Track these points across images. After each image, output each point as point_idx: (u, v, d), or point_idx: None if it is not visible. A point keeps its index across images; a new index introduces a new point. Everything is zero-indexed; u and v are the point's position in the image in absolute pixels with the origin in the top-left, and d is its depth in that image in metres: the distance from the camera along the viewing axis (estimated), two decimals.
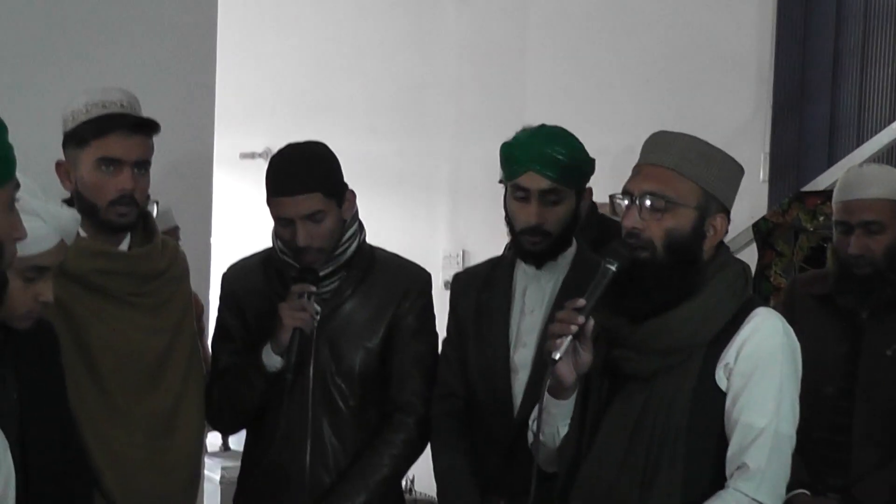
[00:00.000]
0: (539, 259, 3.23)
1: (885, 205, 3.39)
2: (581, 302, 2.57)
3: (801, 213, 4.43)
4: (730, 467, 2.60)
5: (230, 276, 3.54)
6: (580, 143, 3.25)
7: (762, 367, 2.60)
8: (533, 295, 3.26)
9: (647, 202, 2.62)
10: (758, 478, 2.56)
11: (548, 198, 3.16)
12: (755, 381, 2.59)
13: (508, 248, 4.00)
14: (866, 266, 3.38)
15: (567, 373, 2.64)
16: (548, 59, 7.44)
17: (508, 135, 3.36)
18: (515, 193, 3.19)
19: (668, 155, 2.66)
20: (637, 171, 2.69)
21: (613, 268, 2.59)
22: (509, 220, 3.26)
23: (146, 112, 3.20)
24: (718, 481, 2.62)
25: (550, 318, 3.09)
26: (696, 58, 6.87)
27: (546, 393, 2.67)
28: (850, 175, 3.47)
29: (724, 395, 2.63)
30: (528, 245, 3.20)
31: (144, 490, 3.18)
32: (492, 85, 7.54)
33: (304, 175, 3.23)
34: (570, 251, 3.29)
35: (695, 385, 2.61)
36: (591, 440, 2.69)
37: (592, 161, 3.29)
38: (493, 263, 3.43)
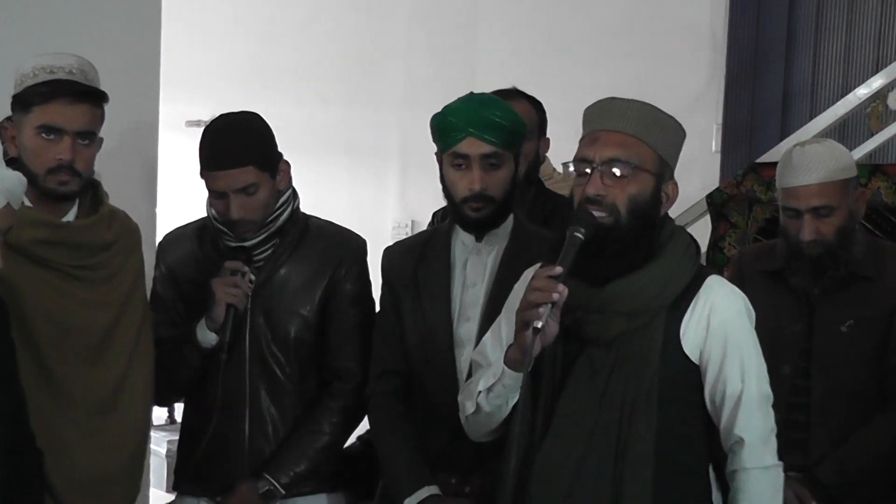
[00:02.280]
0: (482, 227, 3.19)
1: (831, 187, 3.35)
2: (558, 269, 2.54)
3: (755, 184, 4.44)
4: (728, 440, 2.71)
5: (165, 246, 3.52)
6: (513, 110, 3.22)
7: (734, 338, 2.69)
8: (474, 268, 3.23)
9: (614, 169, 2.63)
10: (758, 445, 2.68)
11: (489, 161, 3.11)
12: (731, 352, 2.68)
13: (436, 220, 3.99)
14: (818, 248, 3.38)
15: (527, 341, 2.60)
16: (500, 25, 7.42)
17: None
18: (454, 161, 3.14)
19: (625, 121, 2.66)
20: (594, 137, 2.67)
21: (581, 235, 2.58)
22: (447, 192, 3.22)
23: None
24: (687, 450, 2.70)
25: (494, 291, 3.12)
26: (651, 26, 6.87)
27: (503, 366, 2.66)
28: (792, 158, 3.40)
29: (694, 366, 2.69)
30: (470, 212, 3.15)
31: (85, 468, 3.12)
32: (442, 52, 7.51)
33: (236, 149, 3.20)
34: (508, 223, 3.26)
35: (661, 350, 2.65)
36: (550, 411, 2.67)
37: (526, 125, 3.28)
38: (425, 236, 3.39)
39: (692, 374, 2.70)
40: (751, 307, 2.76)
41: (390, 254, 3.39)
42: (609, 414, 2.64)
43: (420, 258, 3.29)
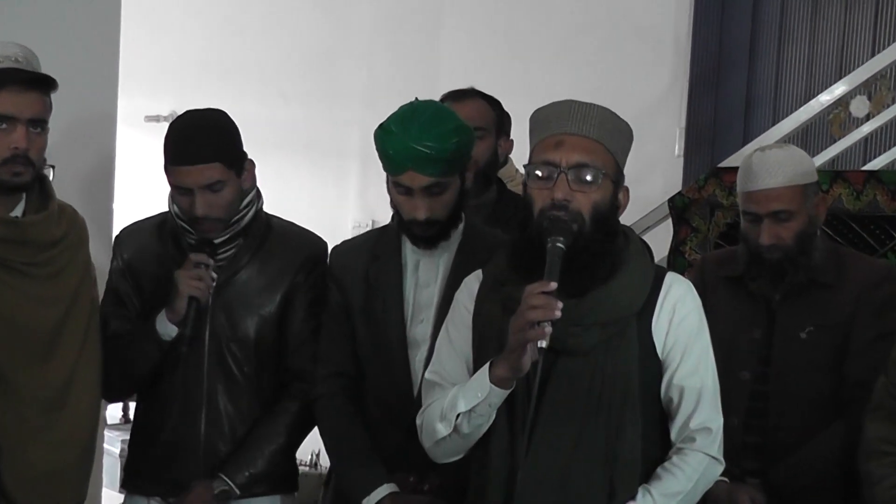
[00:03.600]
0: (431, 243, 3.19)
1: (791, 192, 3.35)
2: (553, 285, 2.50)
3: (717, 189, 4.44)
4: (682, 431, 2.72)
5: (123, 240, 3.49)
6: (453, 122, 3.15)
7: (694, 334, 2.73)
8: (426, 269, 3.21)
9: (583, 175, 2.61)
10: (712, 436, 2.72)
11: (432, 190, 3.10)
12: (691, 347, 2.72)
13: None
14: (777, 252, 3.39)
15: (527, 362, 2.58)
16: (463, 25, 7.42)
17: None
18: (398, 188, 3.14)
19: (589, 125, 2.64)
20: (558, 140, 2.64)
21: (562, 245, 2.56)
22: (396, 209, 3.21)
23: (47, 70, 3.11)
24: (660, 445, 2.74)
25: (448, 292, 3.09)
26: (614, 29, 6.89)
27: (490, 384, 2.61)
28: (753, 162, 3.40)
29: (660, 362, 2.71)
30: (419, 232, 3.15)
31: (35, 465, 3.10)
32: (405, 51, 7.50)
33: (204, 145, 3.19)
34: (460, 222, 3.26)
35: (638, 354, 2.67)
36: (532, 424, 2.63)
37: (471, 133, 3.22)
38: (374, 235, 3.38)
39: (660, 370, 2.72)
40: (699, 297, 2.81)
41: (339, 253, 3.36)
42: (595, 425, 2.63)
43: (371, 258, 3.27)
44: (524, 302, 2.51)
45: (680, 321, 2.71)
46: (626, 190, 2.73)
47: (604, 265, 2.65)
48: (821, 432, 3.32)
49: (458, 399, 2.66)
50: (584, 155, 2.62)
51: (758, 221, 3.38)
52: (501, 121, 4.17)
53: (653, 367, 2.71)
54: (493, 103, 4.14)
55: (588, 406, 2.64)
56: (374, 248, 3.28)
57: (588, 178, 2.61)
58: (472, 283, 2.86)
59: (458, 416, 2.66)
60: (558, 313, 2.48)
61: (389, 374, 3.19)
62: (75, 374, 3.21)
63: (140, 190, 7.06)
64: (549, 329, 2.48)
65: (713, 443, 2.72)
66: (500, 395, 2.62)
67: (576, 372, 2.65)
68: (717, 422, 2.73)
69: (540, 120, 2.72)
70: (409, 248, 3.23)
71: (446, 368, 2.80)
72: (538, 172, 2.65)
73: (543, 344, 2.48)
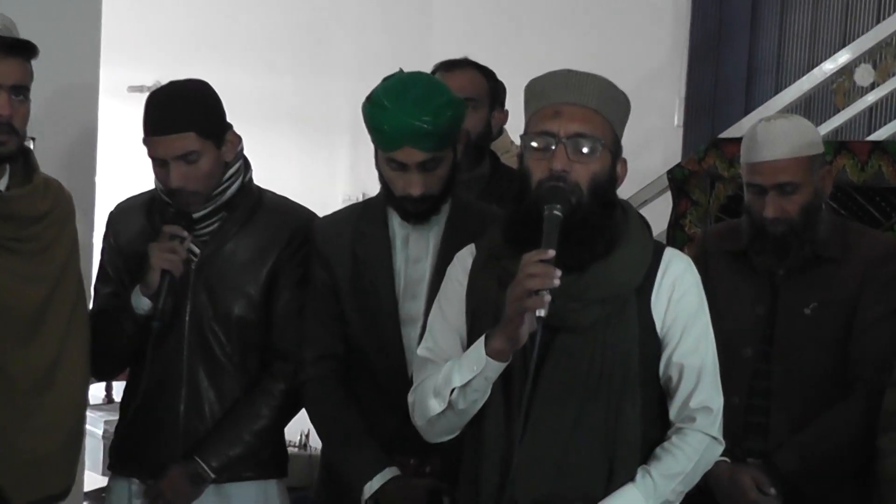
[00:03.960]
0: (424, 219, 3.18)
1: (797, 163, 3.34)
2: (551, 252, 2.49)
3: (718, 160, 4.43)
4: (682, 411, 2.72)
5: (115, 218, 3.51)
6: (447, 95, 3.14)
7: (694, 311, 2.74)
8: (416, 243, 3.20)
9: (581, 145, 2.60)
10: (713, 415, 2.73)
11: (427, 165, 3.09)
12: (691, 324, 2.73)
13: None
14: (782, 226, 3.38)
15: (525, 332, 2.56)
16: None
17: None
18: (390, 164, 3.12)
19: (587, 95, 2.64)
20: (556, 110, 2.63)
21: (559, 212, 2.54)
22: (385, 183, 3.19)
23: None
24: (659, 425, 2.74)
25: (439, 266, 3.08)
26: None
27: (486, 356, 2.59)
28: (757, 133, 3.38)
29: (658, 339, 2.71)
30: (411, 208, 3.14)
31: (23, 450, 3.08)
32: (396, 20, 7.48)
33: (176, 114, 3.19)
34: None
35: (638, 332, 2.67)
36: (528, 402, 2.61)
37: (463, 105, 3.22)
38: (357, 210, 3.35)
39: (659, 347, 2.73)
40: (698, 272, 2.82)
41: (322, 228, 3.33)
42: (595, 403, 2.63)
43: (355, 232, 3.25)
44: (521, 270, 2.50)
45: (679, 298, 2.72)
46: (624, 161, 2.72)
47: (602, 238, 2.64)
48: (825, 412, 3.31)
49: (452, 373, 2.64)
50: (582, 125, 2.61)
51: (762, 194, 3.37)
52: (495, 92, 4.16)
53: (652, 344, 2.71)
54: (487, 73, 4.12)
55: (587, 384, 2.63)
56: (359, 224, 3.26)
57: (586, 148, 2.60)
58: (465, 256, 2.85)
59: (452, 391, 2.63)
60: (557, 281, 2.47)
61: (382, 354, 3.18)
62: (62, 354, 3.19)
63: (124, 163, 7.04)
64: (548, 298, 2.47)
65: (713, 422, 2.73)
66: (497, 368, 2.60)
67: (575, 349, 2.64)
68: (717, 401, 2.74)
69: (536, 90, 2.71)
70: (396, 223, 3.21)
71: (439, 344, 2.79)
72: (535, 143, 2.64)
73: (542, 313, 2.47)
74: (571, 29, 6.86)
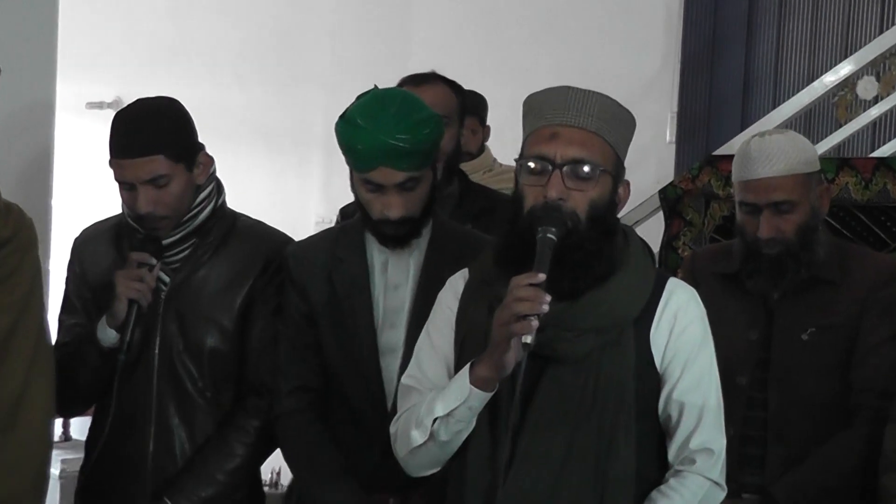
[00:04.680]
0: (404, 243, 3.19)
1: (793, 181, 3.36)
2: (541, 276, 2.50)
3: (713, 178, 4.45)
4: (682, 451, 2.70)
5: (80, 244, 3.49)
6: (424, 112, 3.15)
7: (697, 345, 2.72)
8: (396, 269, 3.21)
9: (577, 171, 2.60)
10: (714, 458, 2.70)
11: (406, 186, 3.09)
12: (693, 360, 2.71)
13: (346, 213, 3.96)
14: (777, 247, 3.39)
15: (511, 359, 2.57)
16: (436, 1, 7.42)
17: (392, 85, 3.32)
18: (367, 186, 3.12)
19: (585, 116, 2.64)
20: (553, 132, 2.64)
21: (553, 236, 2.55)
22: (361, 206, 3.20)
23: None
24: (658, 464, 2.72)
25: (420, 293, 3.11)
26: (600, 5, 6.90)
27: (470, 385, 2.59)
28: (751, 149, 3.40)
29: (656, 373, 2.70)
30: (390, 232, 3.15)
31: None
32: (372, 30, 7.50)
33: (145, 136, 3.19)
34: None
35: (634, 363, 2.66)
36: (514, 436, 2.62)
37: (441, 122, 3.22)
38: (333, 234, 3.36)
39: (658, 383, 2.71)
40: (703, 307, 2.79)
41: (297, 254, 3.32)
42: (585, 438, 2.62)
43: (333, 259, 3.26)
44: (509, 294, 2.51)
45: (682, 331, 2.70)
46: (627, 184, 2.72)
47: (599, 266, 2.64)
48: (825, 443, 3.33)
49: (435, 403, 2.63)
50: (580, 149, 2.61)
51: (756, 213, 3.39)
52: (465, 108, 4.17)
53: (649, 379, 2.69)
54: (456, 89, 4.14)
55: (578, 418, 2.62)
56: (336, 249, 3.27)
57: (584, 174, 2.60)
58: (457, 281, 2.85)
59: (434, 420, 2.63)
60: (545, 307, 2.47)
61: (361, 386, 3.19)
62: (26, 390, 3.16)
63: (83, 184, 7.04)
64: (535, 323, 2.47)
65: (715, 465, 2.70)
66: (482, 397, 2.60)
67: (566, 381, 2.64)
68: (719, 442, 2.71)
69: (534, 107, 2.71)
70: (374, 248, 3.22)
71: (425, 372, 2.78)
72: (530, 165, 2.64)
73: (529, 339, 2.47)
74: (557, 39, 6.89)
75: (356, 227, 3.27)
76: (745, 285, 3.46)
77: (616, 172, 2.67)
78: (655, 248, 4.49)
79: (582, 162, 2.60)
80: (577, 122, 2.63)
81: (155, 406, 3.32)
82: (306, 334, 3.26)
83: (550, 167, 2.61)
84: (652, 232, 4.88)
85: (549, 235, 2.55)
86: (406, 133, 3.05)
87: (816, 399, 3.37)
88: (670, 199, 4.57)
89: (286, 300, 3.31)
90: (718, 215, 4.41)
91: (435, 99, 3.92)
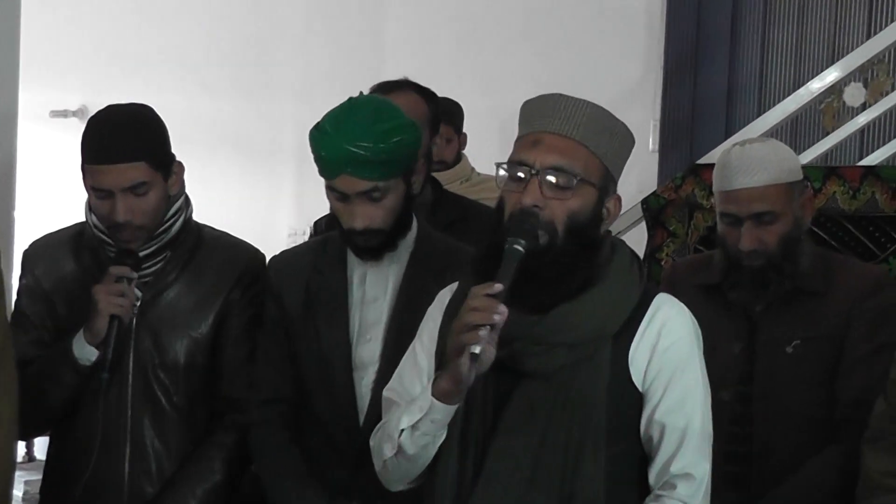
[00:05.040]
0: (375, 255, 3.20)
1: (775, 191, 3.37)
2: (498, 287, 2.50)
3: (696, 188, 4.46)
4: (662, 475, 2.67)
5: (33, 256, 3.47)
6: (395, 120, 3.17)
7: (682, 364, 2.68)
8: (374, 281, 3.23)
9: (555, 178, 2.59)
10: (696, 484, 2.66)
11: (371, 195, 3.11)
12: (677, 379, 2.67)
13: (319, 230, 3.98)
14: (759, 258, 3.40)
15: (467, 369, 2.54)
16: (410, 8, 7.43)
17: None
18: (333, 194, 3.15)
19: (572, 124, 2.63)
20: (536, 139, 2.64)
21: (521, 247, 2.55)
22: (334, 215, 3.22)
23: None
24: (633, 487, 2.70)
25: (398, 307, 3.14)
26: (580, 11, 6.92)
27: (432, 397, 2.60)
28: (731, 158, 3.41)
29: (639, 393, 2.68)
30: (360, 243, 3.17)
31: None
32: (345, 37, 7.50)
33: (128, 141, 3.19)
34: (411, 230, 3.27)
35: (609, 381, 2.64)
36: (482, 452, 2.65)
37: (417, 131, 3.24)
38: (317, 244, 3.39)
39: (639, 403, 2.69)
40: (699, 330, 2.76)
41: (277, 265, 3.38)
42: (552, 456, 2.62)
43: (312, 270, 3.28)
44: (465, 304, 2.53)
45: (665, 348, 2.67)
46: (618, 199, 2.71)
47: (572, 280, 2.63)
48: (811, 459, 3.34)
49: (402, 415, 2.65)
50: (560, 157, 2.60)
51: (737, 224, 3.40)
52: (437, 116, 4.18)
53: (626, 398, 2.67)
54: (427, 96, 4.15)
55: (546, 436, 2.63)
56: (317, 260, 3.29)
57: (563, 183, 2.60)
58: (445, 295, 2.85)
59: (401, 432, 2.65)
60: (497, 317, 2.47)
61: (332, 401, 3.20)
62: None
63: (46, 194, 7.02)
64: (482, 333, 2.47)
65: (696, 492, 2.66)
66: (444, 410, 2.60)
67: (536, 396, 2.63)
68: (702, 468, 2.68)
69: (525, 114, 2.72)
70: (355, 260, 3.24)
71: (405, 385, 2.79)
72: (510, 172, 2.65)
73: (476, 350, 2.47)
74: (536, 45, 6.90)
75: (340, 237, 3.28)
76: (726, 297, 3.47)
77: (602, 185, 2.65)
78: None
79: (560, 170, 2.59)
80: (563, 129, 2.63)
81: (130, 424, 3.33)
82: (281, 345, 3.28)
83: (529, 174, 2.61)
84: (634, 243, 4.85)
85: (516, 247, 2.55)
86: (368, 141, 3.06)
87: (802, 413, 3.38)
88: (653, 210, 4.58)
89: (266, 308, 3.33)
90: (702, 226, 4.43)
91: (405, 107, 3.94)
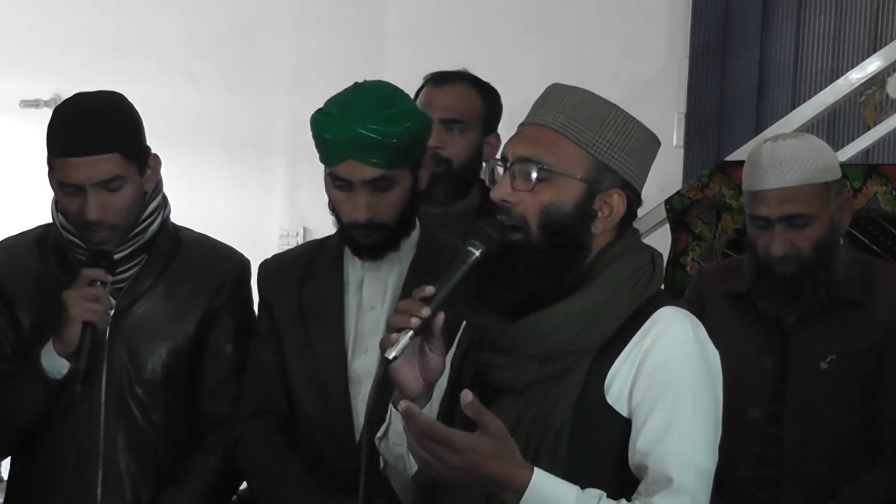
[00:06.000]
0: (376, 253, 3.22)
1: (809, 191, 3.38)
2: (429, 290, 2.52)
3: (724, 187, 4.47)
4: None
5: None
6: (404, 105, 3.19)
7: (672, 387, 2.54)
8: (372, 288, 3.25)
9: (524, 170, 2.58)
10: None
11: (375, 185, 3.12)
12: (663, 404, 2.53)
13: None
14: (791, 265, 3.40)
15: (410, 379, 2.59)
16: None
17: None
18: (335, 182, 3.17)
19: (554, 113, 2.63)
20: (518, 131, 2.67)
21: (477, 252, 2.55)
22: (334, 210, 3.23)
23: None
24: None
25: None
26: None
27: (391, 406, 2.65)
28: (762, 155, 3.42)
29: (622, 419, 2.57)
30: (360, 238, 3.18)
31: None
32: (342, 23, 7.50)
33: (100, 132, 3.19)
34: (415, 231, 3.28)
35: (577, 402, 2.56)
36: None
37: (427, 121, 3.26)
38: (312, 248, 3.41)
39: (619, 430, 2.57)
40: (710, 349, 2.63)
41: (268, 269, 3.40)
42: None
43: (306, 275, 3.29)
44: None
45: (652, 370, 2.54)
46: (621, 195, 2.64)
47: (540, 284, 2.58)
48: (848, 484, 3.34)
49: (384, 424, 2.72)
50: (530, 147, 2.60)
51: (768, 227, 3.40)
52: (492, 114, 4.17)
53: (598, 423, 2.57)
54: (485, 92, 4.13)
55: None
56: (312, 264, 3.30)
57: (532, 175, 2.57)
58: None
59: (379, 441, 2.71)
60: (415, 321, 2.49)
61: (326, 417, 3.22)
62: None
63: (17, 190, 7.03)
64: (394, 336, 2.50)
65: None
66: (400, 419, 2.61)
67: (504, 414, 2.55)
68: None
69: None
70: (352, 264, 3.26)
71: None
72: (496, 168, 2.71)
73: (392, 354, 2.49)
74: (549, 33, 6.89)
75: (336, 241, 3.31)
76: (757, 307, 3.47)
77: (592, 178, 2.61)
78: None
79: (528, 161, 2.58)
80: (543, 119, 2.64)
81: (103, 444, 3.32)
82: (274, 354, 3.30)
83: (504, 168, 2.63)
84: (656, 247, 4.87)
85: (471, 248, 2.56)
86: (378, 124, 3.08)
87: (838, 434, 3.38)
88: (677, 211, 4.59)
89: (258, 317, 3.36)
90: (731, 228, 4.44)
91: (452, 99, 3.95)
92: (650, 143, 2.72)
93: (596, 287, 2.60)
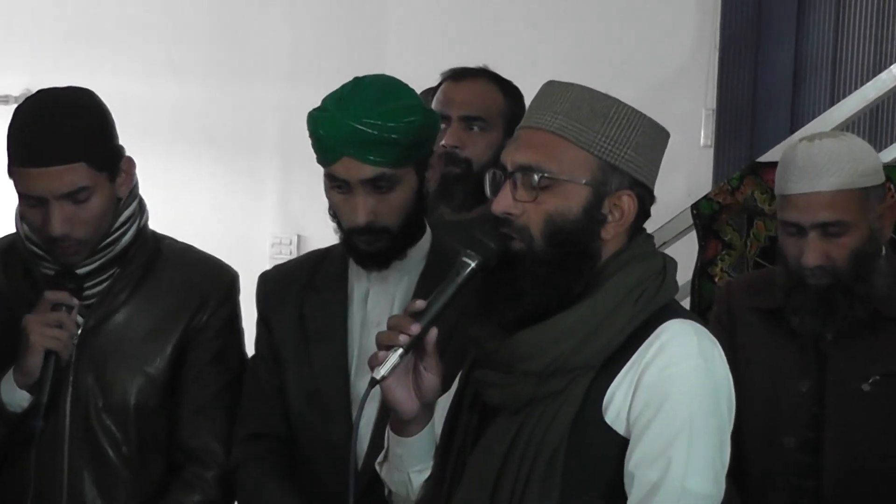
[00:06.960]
0: (380, 261, 3.21)
1: (846, 197, 3.37)
2: (420, 304, 2.57)
3: (756, 190, 4.47)
4: None
5: None
6: (407, 100, 3.19)
7: (673, 403, 2.56)
8: (378, 302, 3.25)
9: (525, 179, 2.60)
10: None
11: (375, 185, 3.12)
12: (660, 421, 2.55)
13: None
14: (825, 277, 3.38)
15: (404, 399, 2.63)
16: None
17: None
18: (333, 183, 3.17)
19: (551, 115, 2.64)
20: (515, 136, 2.69)
21: (473, 263, 2.59)
22: (335, 215, 3.24)
23: None
24: None
25: None
26: None
27: (388, 429, 2.69)
28: (797, 156, 3.40)
29: (621, 439, 2.59)
30: (362, 245, 3.18)
31: None
32: (339, 13, 7.51)
33: (62, 139, 3.17)
34: (424, 239, 3.28)
35: (574, 421, 2.57)
36: (451, 492, 2.67)
37: (434, 117, 3.27)
38: (315, 259, 3.41)
39: (618, 450, 2.59)
40: (717, 365, 2.63)
41: (267, 282, 3.40)
42: (502, 498, 2.59)
43: (307, 288, 3.29)
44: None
45: (651, 384, 2.56)
46: (630, 196, 2.65)
47: (545, 296, 2.60)
48: None
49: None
50: (530, 154, 2.62)
51: (801, 235, 3.39)
52: (514, 113, 4.14)
53: (597, 444, 2.59)
54: (507, 90, 4.15)
55: (497, 479, 2.60)
56: (314, 276, 3.30)
57: (534, 183, 2.60)
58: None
59: (379, 467, 2.77)
60: (403, 338, 2.54)
61: (327, 441, 3.22)
62: None
63: None
64: (382, 354, 2.56)
65: None
66: (400, 443, 2.71)
67: (500, 434, 2.62)
68: None
69: None
70: (357, 277, 3.26)
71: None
72: (497, 177, 2.70)
73: (379, 374, 2.56)
74: (568, 24, 6.90)
75: (340, 251, 3.32)
76: (791, 323, 3.45)
77: (598, 181, 2.63)
78: (687, 275, 4.49)
79: (529, 169, 2.61)
80: (540, 122, 2.65)
81: (67, 479, 3.31)
82: (274, 374, 3.30)
83: (503, 177, 2.65)
84: (683, 256, 4.87)
85: (466, 259, 2.60)
86: (376, 119, 3.08)
87: (882, 464, 3.37)
88: (705, 216, 4.59)
89: (257, 332, 3.37)
90: (764, 235, 4.44)
91: (474, 96, 3.96)
92: (658, 136, 2.73)
93: (598, 298, 2.61)
